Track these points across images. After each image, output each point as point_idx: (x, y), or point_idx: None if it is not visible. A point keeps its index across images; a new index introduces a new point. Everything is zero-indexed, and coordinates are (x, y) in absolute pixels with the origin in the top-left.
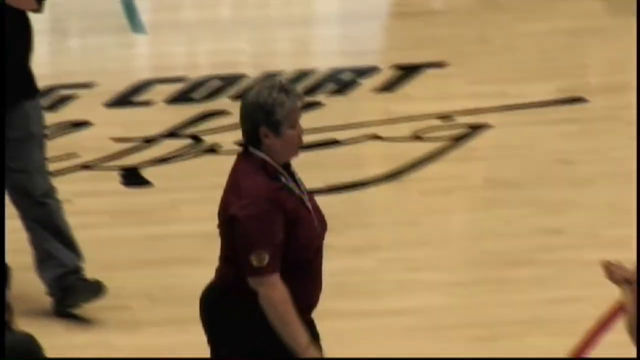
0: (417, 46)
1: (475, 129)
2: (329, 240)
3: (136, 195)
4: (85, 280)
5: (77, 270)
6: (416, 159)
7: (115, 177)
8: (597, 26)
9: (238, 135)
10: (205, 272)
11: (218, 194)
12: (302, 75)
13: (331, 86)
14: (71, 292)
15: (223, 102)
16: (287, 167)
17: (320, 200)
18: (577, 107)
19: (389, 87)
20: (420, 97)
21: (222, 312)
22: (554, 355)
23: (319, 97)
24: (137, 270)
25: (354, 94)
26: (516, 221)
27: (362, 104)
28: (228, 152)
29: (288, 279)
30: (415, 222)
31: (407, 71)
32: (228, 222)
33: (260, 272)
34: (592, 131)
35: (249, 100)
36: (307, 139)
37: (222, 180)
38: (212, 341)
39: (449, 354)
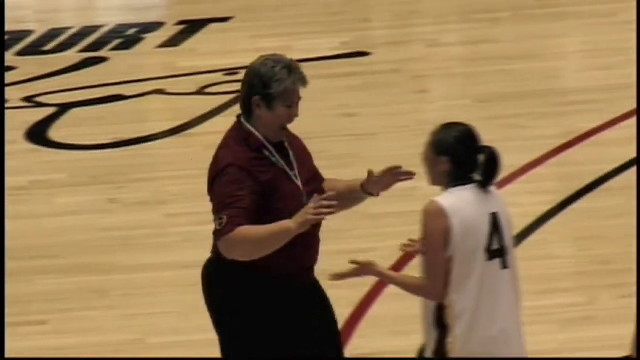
0: (202, 1)
1: None
2: (114, 194)
3: None
4: None
5: None
6: (201, 113)
7: None
8: None
9: (24, 91)
10: None
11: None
12: (87, 31)
13: (116, 42)
14: None
15: (8, 57)
16: (280, 144)
17: (105, 154)
18: (361, 60)
19: (173, 42)
20: (205, 52)
21: (213, 282)
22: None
23: (104, 52)
24: None
25: (138, 49)
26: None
27: (147, 59)
28: (15, 107)
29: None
30: (200, 176)
31: (192, 26)
32: (208, 189)
33: (219, 233)
34: (375, 85)
35: (252, 67)
36: (92, 93)
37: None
38: (210, 311)
39: None
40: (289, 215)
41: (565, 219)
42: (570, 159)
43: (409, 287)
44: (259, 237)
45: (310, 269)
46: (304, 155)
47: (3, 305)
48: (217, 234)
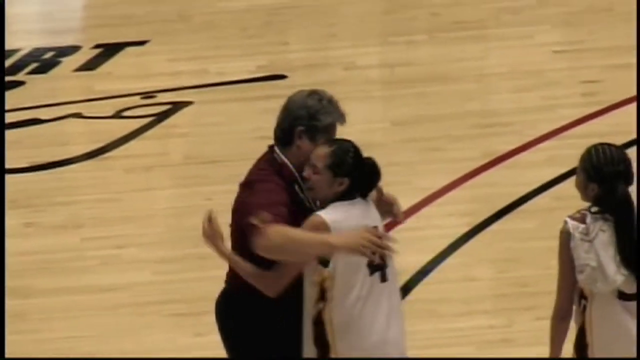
0: (118, 24)
1: (176, 106)
2: (31, 218)
3: None
4: None
5: None
6: (119, 136)
7: None
8: (296, 4)
9: None
10: None
11: None
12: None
13: (33, 65)
14: None
15: None
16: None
17: (23, 178)
18: (277, 83)
19: (90, 65)
20: (121, 75)
21: (230, 315)
22: None
23: (21, 76)
24: None
25: (55, 72)
26: (217, 198)
27: (64, 83)
28: None
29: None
30: (118, 199)
31: (108, 49)
32: (237, 209)
33: (257, 228)
34: None
35: (296, 99)
36: (9, 117)
37: None
38: (225, 344)
39: (154, 329)
40: None
41: (482, 241)
42: (487, 181)
43: (251, 274)
44: (299, 238)
45: None
46: None
47: (3, 305)
48: (255, 228)
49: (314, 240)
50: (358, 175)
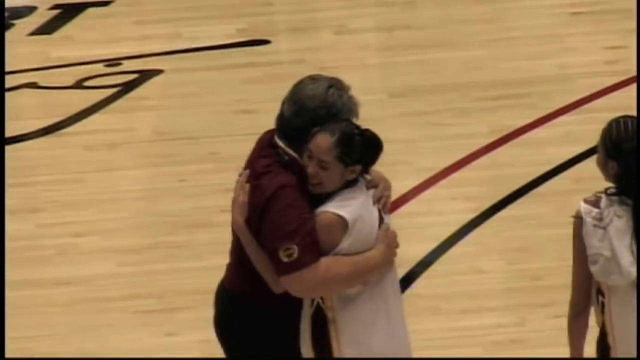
0: None
1: (144, 75)
2: None
3: None
4: None
5: None
6: (79, 109)
7: None
8: None
9: None
10: None
11: None
12: None
13: None
14: None
15: None
16: None
17: None
18: (259, 49)
19: (47, 29)
20: (82, 40)
21: (235, 320)
22: None
23: None
24: None
25: (7, 37)
26: (193, 179)
27: (17, 49)
28: None
29: None
30: (79, 181)
31: (67, 11)
32: (255, 217)
33: (292, 267)
34: (276, 77)
35: (313, 93)
36: None
37: None
38: (225, 346)
39: (117, 327)
40: None
41: (491, 229)
42: (496, 161)
43: (264, 264)
44: (349, 272)
45: None
46: None
47: (3, 305)
48: (289, 268)
49: (363, 265)
50: (368, 156)
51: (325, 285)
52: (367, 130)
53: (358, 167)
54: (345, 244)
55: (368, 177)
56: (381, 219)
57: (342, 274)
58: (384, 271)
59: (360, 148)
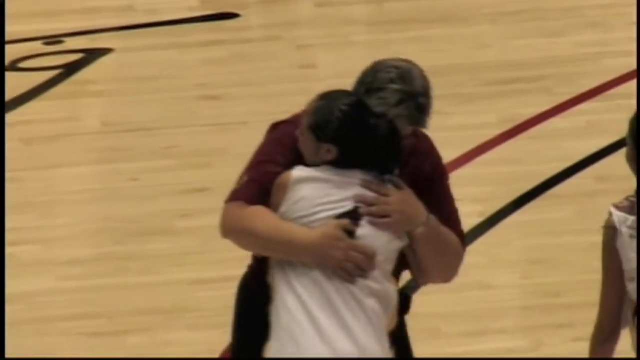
0: None
1: (91, 55)
2: None
3: None
4: None
5: None
6: (14, 95)
7: None
8: None
9: None
10: None
11: None
12: None
13: None
14: None
15: None
16: None
17: None
18: (226, 24)
19: None
20: (18, 13)
21: (237, 300)
22: (194, 353)
23: None
24: None
25: None
26: (148, 178)
27: None
28: None
29: None
30: (13, 180)
31: None
32: None
33: (230, 195)
34: (246, 57)
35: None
36: None
37: None
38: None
39: (61, 352)
40: None
41: (500, 236)
42: (507, 156)
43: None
44: (264, 231)
45: None
46: None
47: (3, 305)
48: (229, 196)
49: (283, 238)
50: (350, 144)
51: (239, 232)
52: (382, 117)
53: (333, 148)
54: (284, 206)
55: (388, 177)
56: (353, 225)
57: (256, 230)
58: (312, 270)
59: (336, 128)
